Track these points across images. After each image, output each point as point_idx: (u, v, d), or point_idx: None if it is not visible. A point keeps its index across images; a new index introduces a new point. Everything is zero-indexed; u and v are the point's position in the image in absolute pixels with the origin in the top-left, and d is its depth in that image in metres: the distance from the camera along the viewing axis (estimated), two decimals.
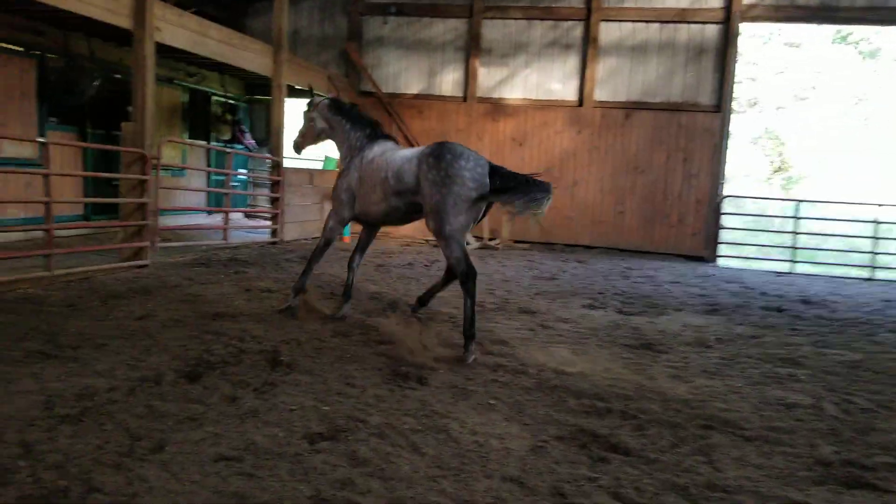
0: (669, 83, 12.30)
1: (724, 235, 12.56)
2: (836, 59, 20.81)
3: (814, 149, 20.64)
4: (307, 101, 6.62)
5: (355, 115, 6.27)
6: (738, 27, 11.92)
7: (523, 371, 4.66)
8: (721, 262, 12.46)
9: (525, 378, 4.51)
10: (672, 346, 5.80)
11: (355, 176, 5.88)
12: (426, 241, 12.31)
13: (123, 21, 7.12)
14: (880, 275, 12.24)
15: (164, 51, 9.05)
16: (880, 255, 12.33)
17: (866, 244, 12.66)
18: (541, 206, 5.07)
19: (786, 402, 4.44)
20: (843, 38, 24.63)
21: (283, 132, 10.75)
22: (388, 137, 6.15)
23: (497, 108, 12.96)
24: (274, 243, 10.55)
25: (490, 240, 12.60)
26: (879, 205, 12.19)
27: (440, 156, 5.20)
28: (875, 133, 21.01)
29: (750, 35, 22.90)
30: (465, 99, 13.15)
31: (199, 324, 5.26)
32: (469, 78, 13.07)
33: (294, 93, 12.68)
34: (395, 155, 5.66)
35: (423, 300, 6.18)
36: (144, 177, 7.47)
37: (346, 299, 6.00)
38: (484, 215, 5.66)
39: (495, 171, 5.26)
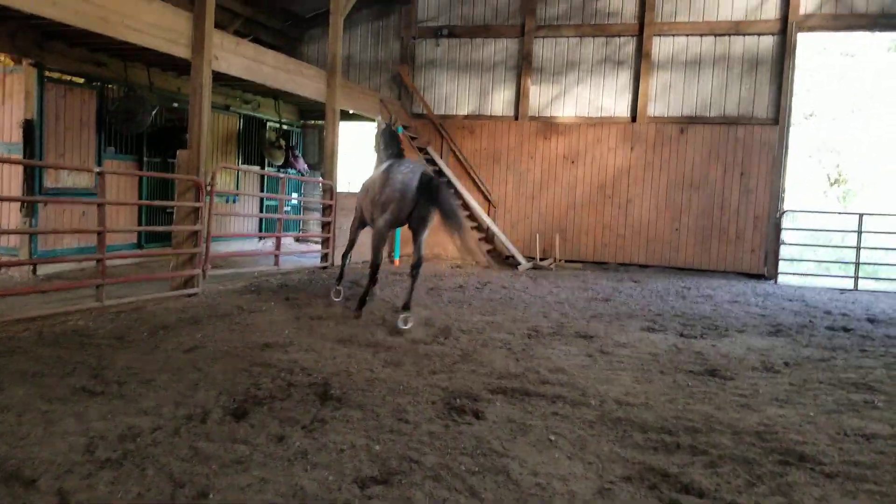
0: (725, 96, 11.99)
1: (783, 252, 12.11)
2: (892, 67, 20.00)
3: (872, 160, 19.78)
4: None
5: (388, 137, 7.46)
6: (795, 38, 11.55)
7: (584, 402, 4.51)
8: (781, 279, 11.99)
9: (586, 410, 4.35)
10: (738, 372, 5.56)
11: (364, 188, 7.24)
12: (475, 262, 12.25)
13: (182, 51, 7.33)
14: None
15: (220, 78, 9.29)
16: None
17: None
18: (453, 232, 6.30)
19: (864, 432, 4.19)
20: None
21: (336, 156, 10.88)
22: (404, 157, 7.22)
23: (549, 126, 12.86)
24: (325, 268, 10.63)
25: (542, 259, 12.45)
26: None
27: (389, 165, 6.72)
28: None
29: (804, 45, 22.28)
30: (516, 118, 13.10)
31: (247, 355, 5.21)
32: (520, 97, 13.02)
33: (347, 117, 12.86)
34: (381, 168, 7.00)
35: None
36: (198, 204, 7.59)
37: (338, 282, 7.77)
38: (426, 221, 6.63)
39: (428, 186, 6.35)
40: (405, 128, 12.72)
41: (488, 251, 12.52)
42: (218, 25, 9.85)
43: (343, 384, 4.57)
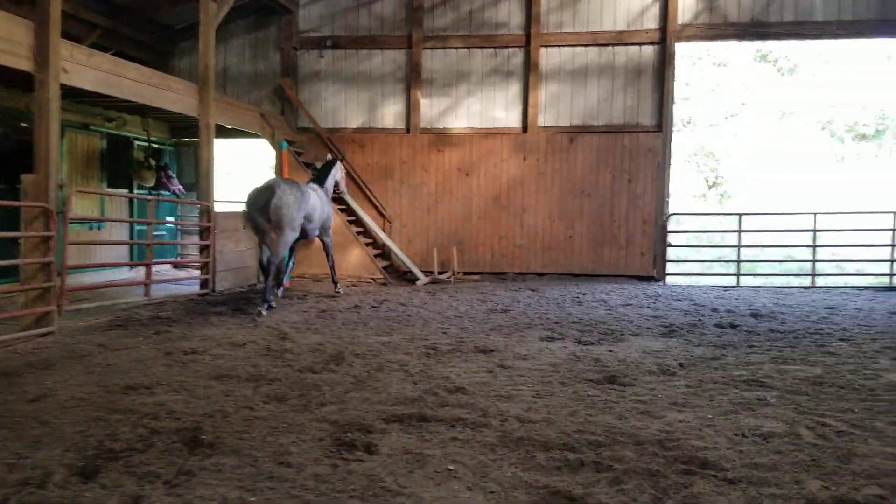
0: (611, 105, 12.31)
1: (670, 253, 12.54)
2: (759, 76, 21.55)
3: (745, 163, 21.16)
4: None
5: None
6: (674, 47, 12.04)
7: (485, 423, 4.24)
8: (669, 280, 12.40)
9: (487, 432, 4.09)
10: (636, 377, 5.51)
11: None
12: (372, 279, 11.85)
13: (24, 63, 6.49)
14: (819, 282, 12.42)
15: (76, 94, 8.42)
16: (819, 263, 12.53)
17: (804, 253, 12.85)
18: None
19: (761, 431, 4.18)
20: (764, 57, 25.63)
21: (212, 175, 10.14)
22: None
23: (441, 138, 12.71)
24: (205, 295, 9.83)
25: (440, 273, 12.23)
26: (814, 213, 12.39)
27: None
28: (799, 145, 21.76)
29: (681, 56, 23.58)
30: (408, 130, 12.86)
31: (105, 401, 4.57)
32: (411, 109, 12.80)
33: (226, 133, 12.13)
34: None
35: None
36: (48, 233, 6.72)
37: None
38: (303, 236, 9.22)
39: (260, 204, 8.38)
40: (290, 143, 12.17)
41: (385, 267, 12.17)
42: (71, 37, 8.99)
43: (217, 427, 4.05)
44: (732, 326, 7.93)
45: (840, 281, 12.87)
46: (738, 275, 12.23)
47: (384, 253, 12.61)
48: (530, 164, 12.40)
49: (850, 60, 26.59)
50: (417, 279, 11.82)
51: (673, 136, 12.45)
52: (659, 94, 12.09)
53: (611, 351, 6.53)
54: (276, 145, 11.93)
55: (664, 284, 12.05)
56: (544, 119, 12.45)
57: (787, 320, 8.45)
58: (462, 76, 12.71)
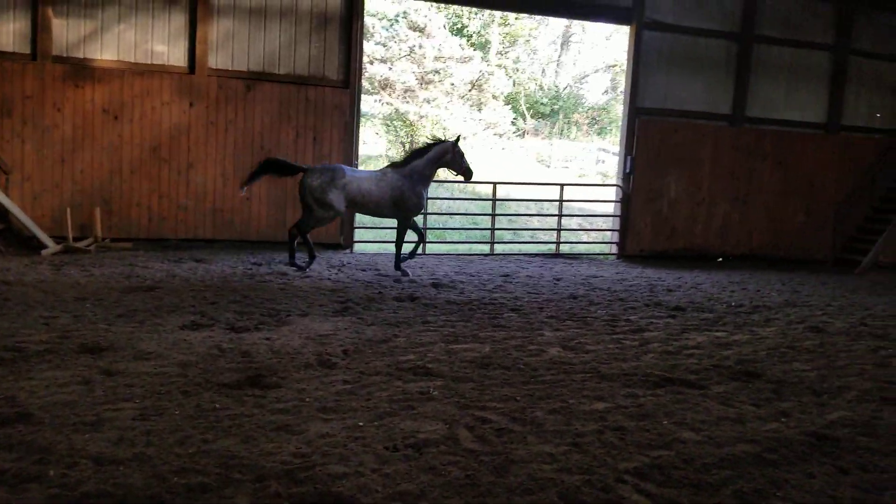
0: (294, 53, 11.02)
1: (359, 219, 11.93)
2: (454, 49, 22.28)
3: (442, 131, 21.78)
4: None
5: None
6: None
7: (36, 475, 2.84)
8: (358, 247, 11.80)
9: (29, 495, 2.68)
10: (287, 374, 4.52)
11: None
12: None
13: None
14: (498, 249, 13.04)
15: None
16: (497, 231, 13.12)
17: (486, 221, 13.37)
18: None
19: (416, 439, 3.51)
20: (460, 31, 26.84)
21: None
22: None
23: (82, 70, 10.10)
24: None
25: (78, 239, 9.80)
26: (494, 183, 12.88)
27: None
28: (483, 116, 23.18)
29: (378, 16, 23.23)
30: (34, 57, 9.97)
31: None
32: (39, 29, 9.91)
33: None
34: None
35: None
36: None
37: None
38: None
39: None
40: None
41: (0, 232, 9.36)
42: None
43: None
44: (412, 299, 7.52)
45: (516, 248, 13.65)
46: (424, 242, 12.09)
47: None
48: (199, 112, 10.55)
49: (534, 41, 29.37)
50: (45, 247, 9.29)
51: (365, 96, 11.73)
52: (347, 48, 11.17)
53: (268, 339, 5.46)
54: None
55: (351, 252, 11.37)
56: (216, 60, 10.67)
57: (465, 290, 8.37)
58: None
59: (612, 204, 13.32)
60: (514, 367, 5.00)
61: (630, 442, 3.63)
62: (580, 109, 29.48)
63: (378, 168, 9.90)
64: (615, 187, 13.13)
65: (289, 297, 7.25)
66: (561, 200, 13.10)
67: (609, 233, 13.55)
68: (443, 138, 9.55)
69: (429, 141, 9.51)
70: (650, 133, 12.40)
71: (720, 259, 13.19)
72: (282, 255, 10.30)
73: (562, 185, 13.18)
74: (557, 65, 30.83)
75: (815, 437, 3.79)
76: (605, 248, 13.55)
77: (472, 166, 9.53)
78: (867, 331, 7.02)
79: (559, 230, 13.16)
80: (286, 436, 3.49)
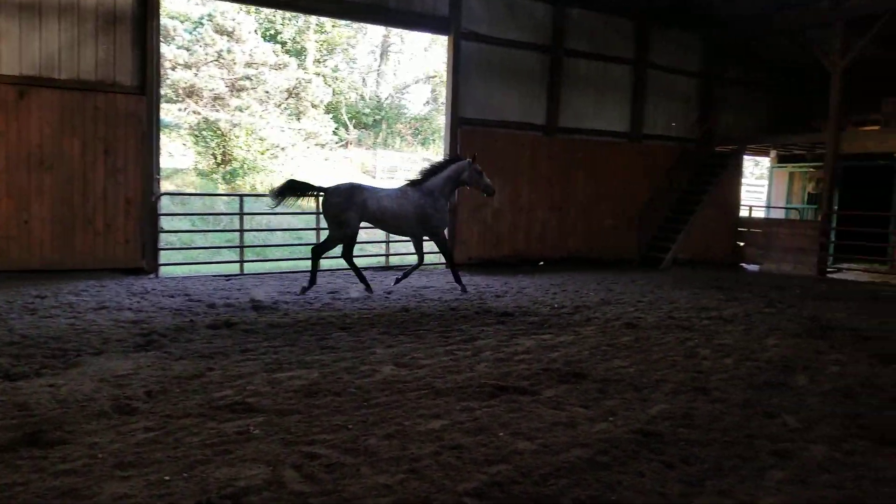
0: (78, 56, 9.72)
1: (164, 240, 10.83)
2: (267, 55, 21.35)
3: (257, 141, 20.68)
4: None
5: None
6: None
7: None
8: (163, 271, 10.68)
9: None
10: (75, 428, 3.83)
11: None
12: None
13: None
14: (324, 264, 12.54)
15: None
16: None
17: (311, 235, 12.82)
18: None
19: (234, 488, 3.10)
20: (273, 37, 25.84)
21: None
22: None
23: None
24: None
25: None
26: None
27: None
28: (303, 125, 22.51)
29: (179, 17, 21.60)
30: None
31: None
32: None
33: None
34: None
35: None
36: None
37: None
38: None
39: None
40: None
41: None
42: None
43: None
44: (228, 325, 6.83)
45: (343, 263, 13.19)
46: (241, 261, 11.31)
47: None
48: None
49: (352, 50, 29.13)
50: None
51: (168, 104, 10.70)
52: (141, 50, 10.08)
53: (51, 385, 4.61)
54: None
55: (156, 277, 10.25)
56: None
57: (289, 310, 7.80)
58: None
59: None
60: (344, 392, 4.67)
61: (468, 460, 3.48)
62: (402, 120, 29.82)
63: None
64: None
65: (79, 333, 6.27)
66: None
67: None
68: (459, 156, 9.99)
69: (445, 158, 9.91)
70: (472, 143, 12.66)
71: (541, 263, 13.85)
72: (72, 284, 8.99)
73: None
74: (378, 74, 30.96)
75: (641, 433, 3.91)
76: (435, 258, 13.63)
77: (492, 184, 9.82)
78: (675, 323, 7.63)
79: (388, 242, 12.98)
80: (73, 503, 2.88)
